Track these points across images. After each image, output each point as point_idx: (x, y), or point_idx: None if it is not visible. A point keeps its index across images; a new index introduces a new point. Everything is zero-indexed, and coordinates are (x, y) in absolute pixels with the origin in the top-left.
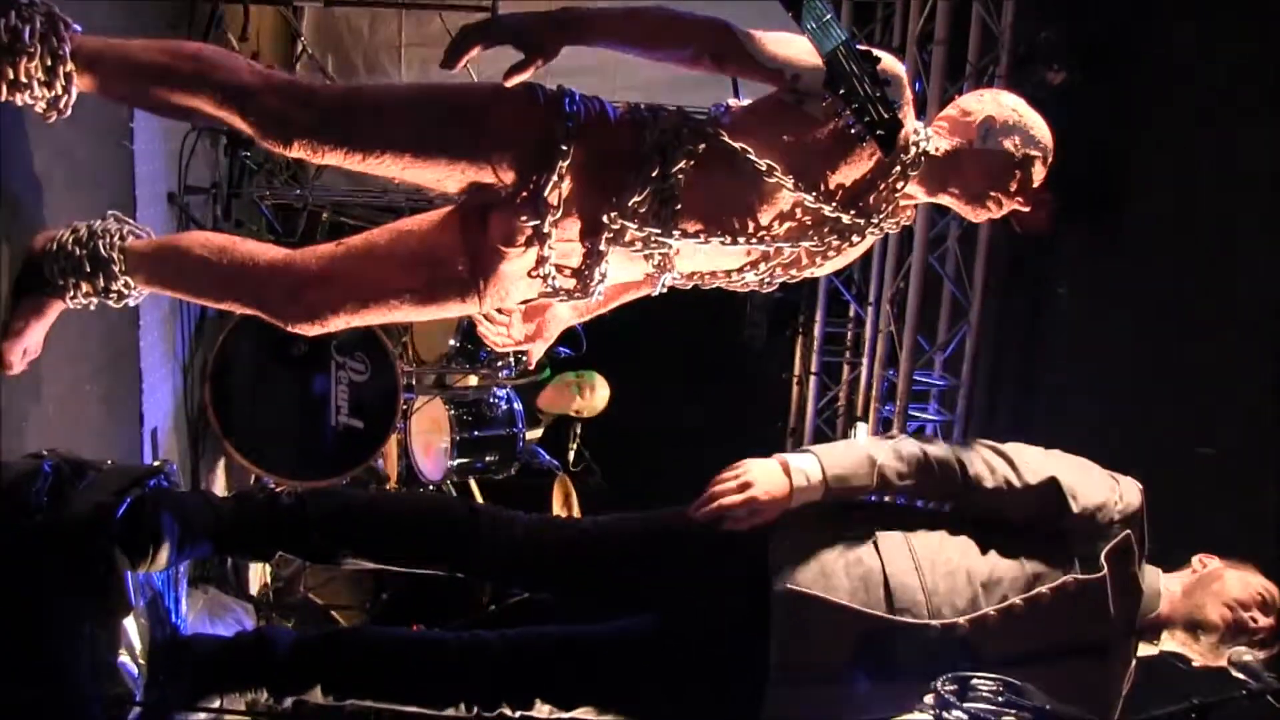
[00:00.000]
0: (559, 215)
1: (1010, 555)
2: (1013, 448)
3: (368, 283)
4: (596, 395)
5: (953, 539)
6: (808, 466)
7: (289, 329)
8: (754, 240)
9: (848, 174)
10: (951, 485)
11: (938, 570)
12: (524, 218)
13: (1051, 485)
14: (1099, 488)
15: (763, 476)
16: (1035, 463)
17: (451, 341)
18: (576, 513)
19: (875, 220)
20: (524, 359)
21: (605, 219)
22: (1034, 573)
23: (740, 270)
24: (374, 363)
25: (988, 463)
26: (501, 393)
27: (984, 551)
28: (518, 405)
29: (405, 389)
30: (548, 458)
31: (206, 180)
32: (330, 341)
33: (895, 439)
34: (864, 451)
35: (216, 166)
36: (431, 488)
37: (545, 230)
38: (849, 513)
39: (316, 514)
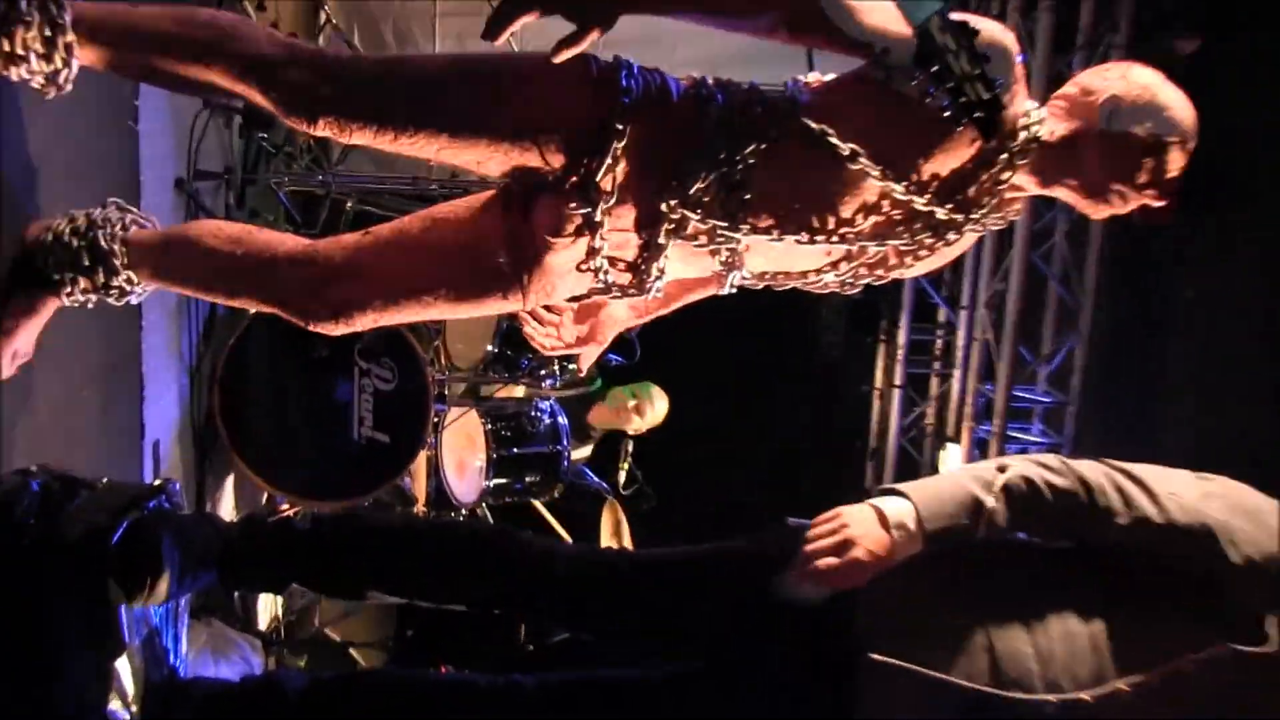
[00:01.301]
0: (612, 202)
1: (1147, 613)
2: (1152, 473)
3: (398, 276)
4: (654, 412)
5: (1073, 591)
6: (904, 515)
7: (310, 328)
8: (835, 238)
9: (944, 162)
10: (1074, 521)
11: (1054, 632)
12: (573, 205)
13: (1203, 526)
14: (1267, 530)
15: (863, 532)
16: (1183, 494)
17: (489, 346)
18: (628, 543)
19: (976, 215)
20: (573, 366)
21: (664, 208)
22: (1177, 636)
23: (819, 271)
24: (402, 369)
25: (1121, 491)
26: (545, 405)
27: (1112, 607)
28: (563, 420)
29: (436, 399)
30: (596, 479)
31: (219, 164)
32: (354, 344)
33: (1006, 466)
34: (966, 490)
35: (230, 149)
36: (464, 512)
37: (597, 219)
38: (945, 559)
39: (336, 540)
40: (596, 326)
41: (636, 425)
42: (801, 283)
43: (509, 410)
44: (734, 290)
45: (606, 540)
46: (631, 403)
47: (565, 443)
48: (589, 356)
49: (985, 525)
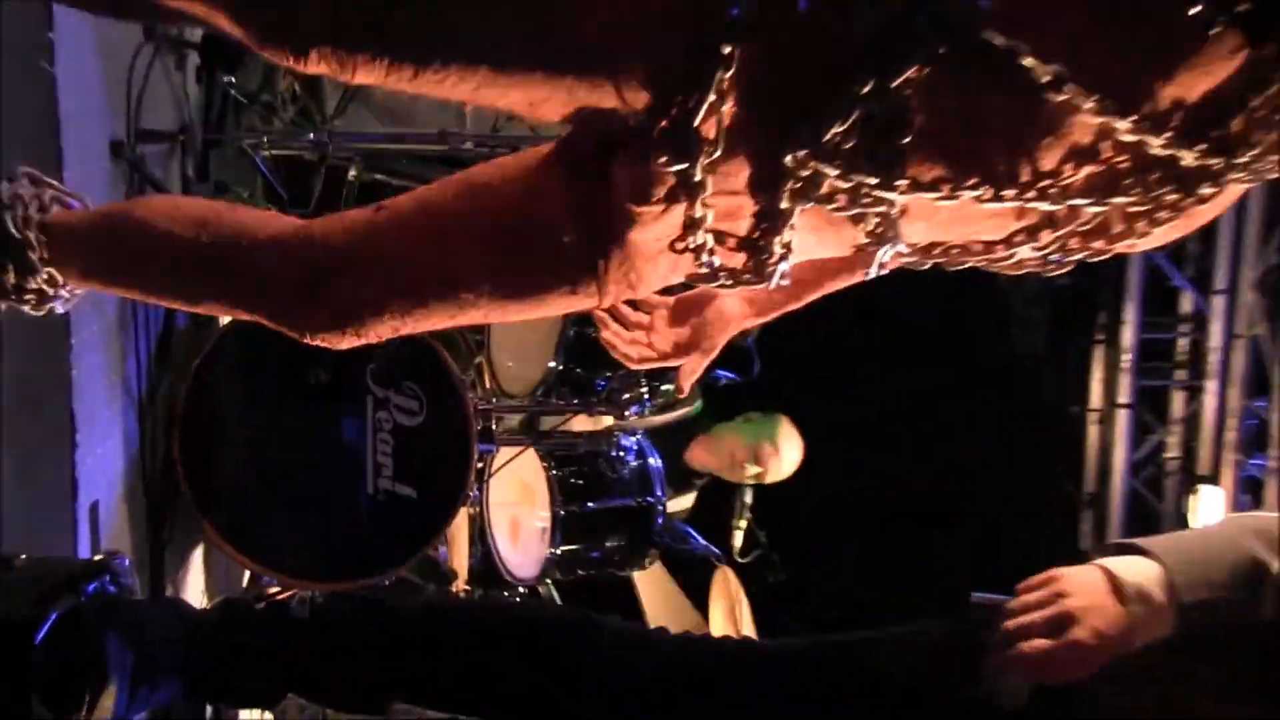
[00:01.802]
0: (717, 155)
1: None
2: None
3: (424, 267)
4: (781, 460)
5: None
6: (1147, 582)
7: (305, 342)
8: (1031, 194)
9: (1192, 84)
10: None
11: None
12: (663, 160)
13: None
14: None
15: (1088, 603)
16: None
17: (551, 363)
18: (748, 628)
19: (1241, 160)
20: (668, 385)
21: (790, 161)
22: None
23: (1009, 241)
24: (432, 397)
25: None
26: (630, 442)
27: None
28: (654, 461)
29: (481, 438)
30: (702, 542)
31: (170, 121)
32: (365, 364)
33: None
34: (1241, 550)
35: (185, 100)
36: (522, 591)
37: (696, 178)
38: (1206, 646)
39: (347, 634)
40: (701, 329)
41: (755, 475)
42: (984, 260)
43: (580, 450)
44: (886, 273)
45: (718, 623)
46: (746, 447)
47: (659, 492)
48: (691, 371)
49: (1270, 600)
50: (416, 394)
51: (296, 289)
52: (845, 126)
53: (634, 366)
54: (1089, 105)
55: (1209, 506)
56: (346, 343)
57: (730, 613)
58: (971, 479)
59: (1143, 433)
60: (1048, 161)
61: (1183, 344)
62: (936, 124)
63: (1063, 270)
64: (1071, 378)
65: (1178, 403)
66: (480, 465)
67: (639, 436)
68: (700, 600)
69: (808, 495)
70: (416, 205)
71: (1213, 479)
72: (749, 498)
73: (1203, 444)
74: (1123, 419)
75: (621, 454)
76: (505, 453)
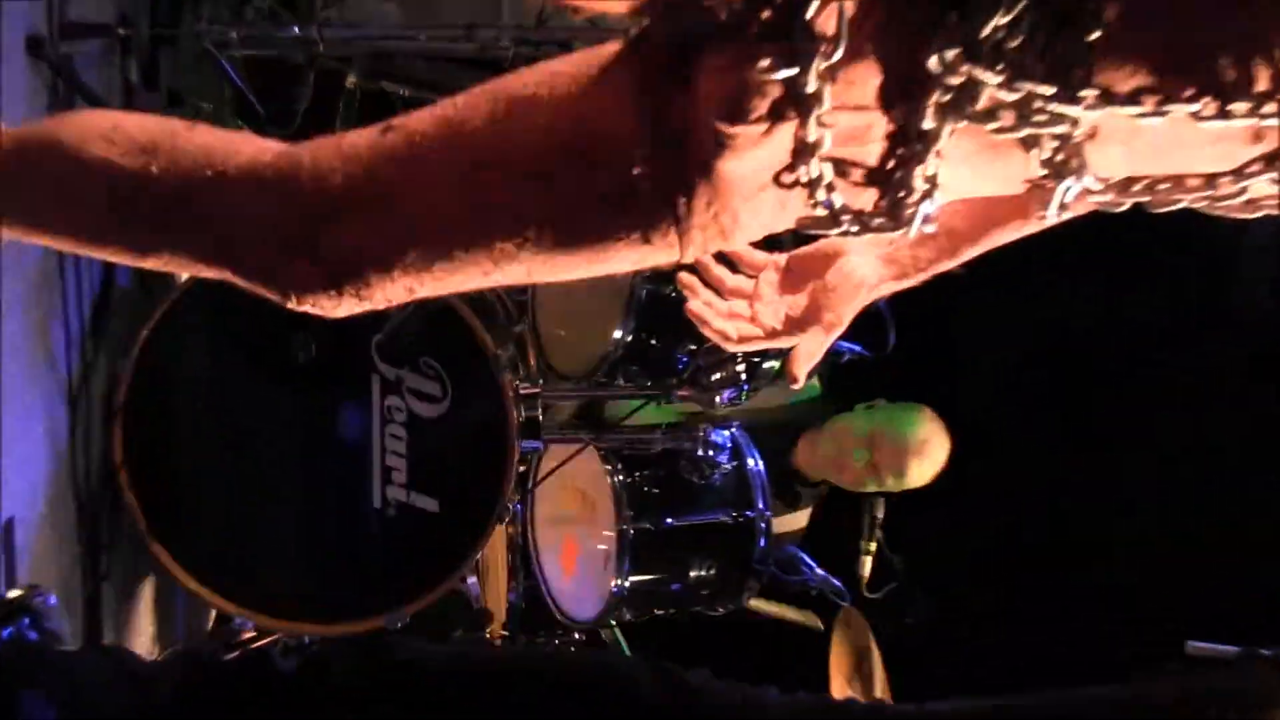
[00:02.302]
0: (838, 56)
1: None
2: None
3: (447, 208)
4: (922, 463)
5: None
6: None
7: (290, 307)
8: (1272, 108)
9: None
10: None
11: None
12: (765, 63)
13: None
14: None
15: None
16: None
17: (617, 333)
18: (881, 690)
19: None
20: (771, 364)
21: (934, 63)
22: None
23: (1240, 172)
24: (458, 378)
25: None
26: (723, 437)
27: None
28: (754, 463)
29: (524, 432)
30: (819, 572)
31: (107, 12)
32: (370, 336)
33: None
34: None
35: None
36: (579, 637)
37: (810, 88)
38: None
39: (349, 694)
40: (822, 298)
41: (886, 484)
42: (1203, 198)
43: (656, 448)
44: (1068, 217)
45: (842, 682)
46: (858, 434)
47: (761, 504)
48: (809, 354)
49: None
50: (438, 374)
51: (278, 237)
52: (1010, 16)
53: (731, 348)
54: None
55: None
56: (345, 308)
57: (856, 666)
58: (1190, 493)
59: None
60: None
61: None
62: (1137, 12)
63: None
64: None
65: None
66: (523, 469)
67: (734, 430)
68: (817, 651)
69: (955, 510)
70: (437, 125)
71: None
72: (880, 513)
73: None
74: None
75: (711, 453)
76: (556, 453)
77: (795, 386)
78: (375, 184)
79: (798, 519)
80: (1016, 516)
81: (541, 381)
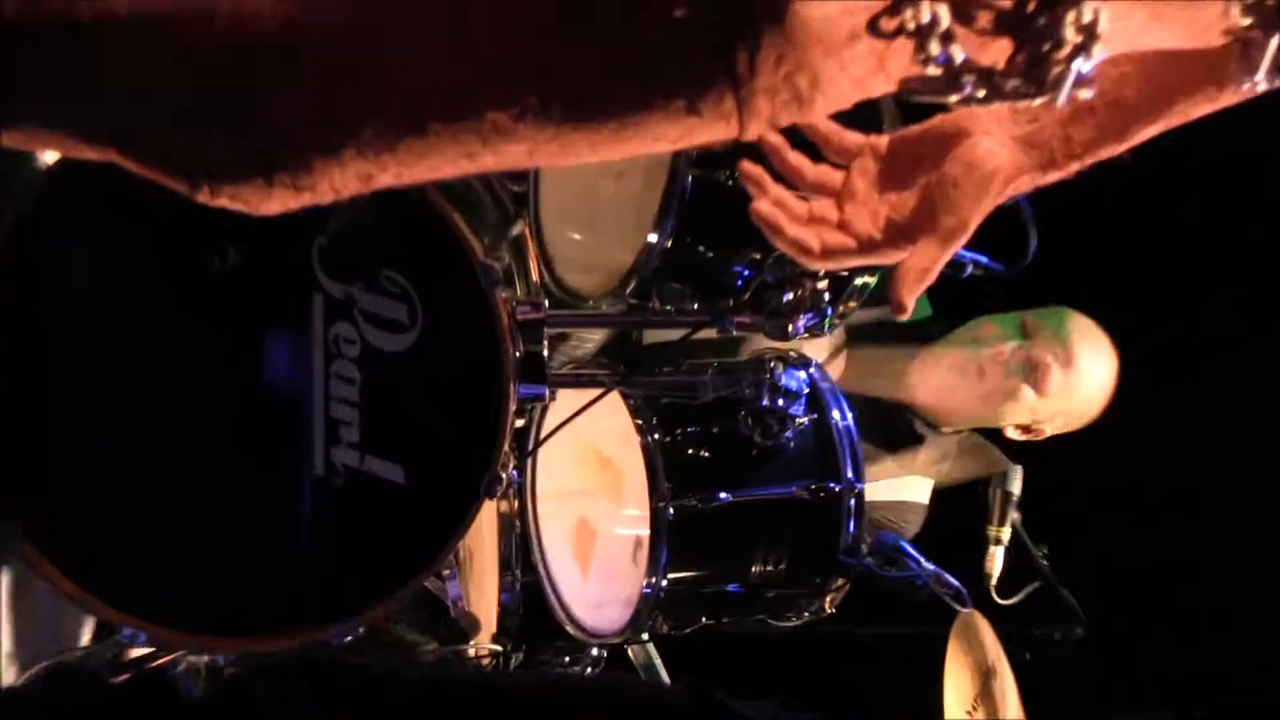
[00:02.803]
0: None
1: None
2: None
3: (420, 63)
4: (1084, 382)
5: None
6: None
7: (199, 199)
8: None
9: None
10: None
11: None
12: None
13: None
14: None
15: None
16: None
17: (652, 236)
18: (1015, 717)
19: None
20: (865, 280)
21: None
22: None
23: None
24: (432, 298)
25: None
26: (797, 380)
27: None
28: (841, 416)
29: (524, 373)
30: (930, 566)
31: None
32: (310, 238)
33: None
34: None
35: None
36: (600, 654)
37: None
38: None
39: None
40: (938, 194)
41: (1034, 411)
42: None
43: (705, 396)
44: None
45: (961, 712)
46: (1012, 345)
47: (851, 473)
48: (920, 271)
49: None
50: (404, 292)
51: (183, 104)
52: None
53: (813, 264)
54: None
55: None
56: (277, 202)
57: (981, 687)
58: None
59: None
60: None
61: None
62: None
63: None
64: None
65: None
66: (522, 424)
67: (813, 371)
68: (928, 669)
69: (1123, 483)
70: None
71: None
72: (1016, 484)
73: None
74: None
75: (782, 403)
76: (568, 402)
77: (902, 317)
78: (320, 29)
79: (915, 486)
80: (1200, 493)
81: (547, 304)
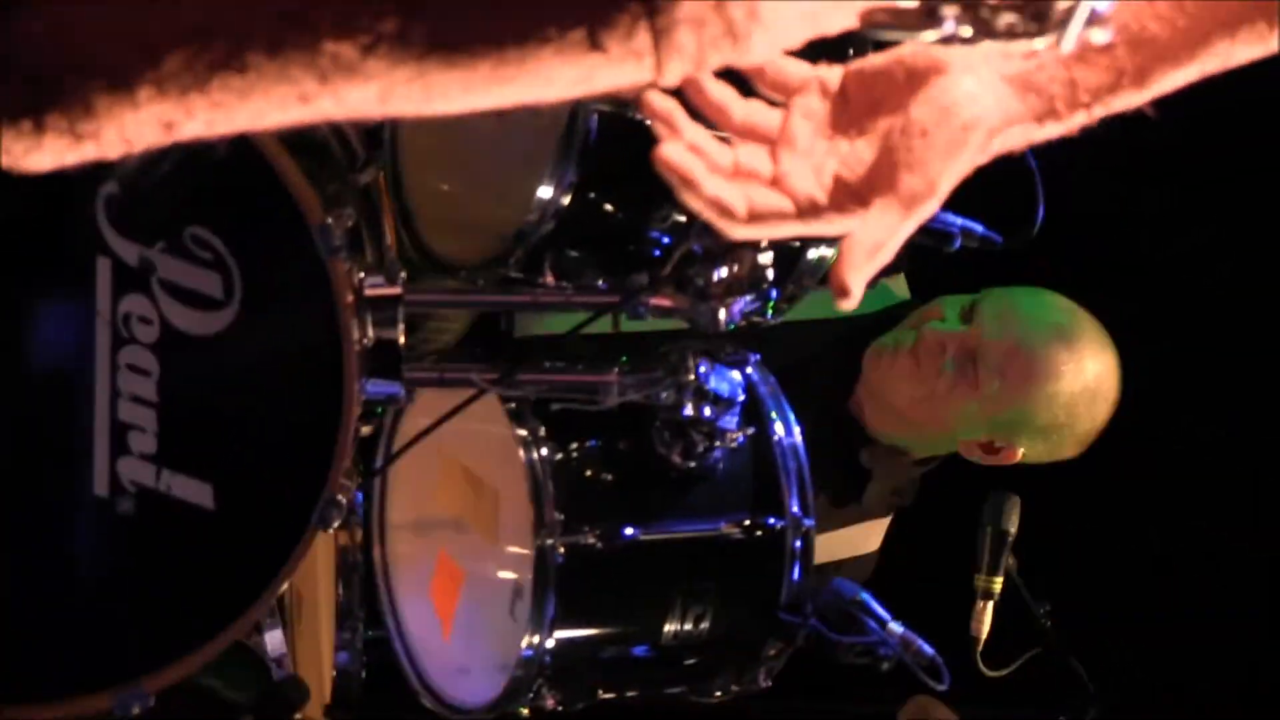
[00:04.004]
0: None
1: None
2: None
3: None
4: (1039, 375)
5: None
6: None
7: None
8: None
9: None
10: None
11: None
12: None
13: None
14: None
15: None
16: None
17: (543, 190)
18: None
19: None
20: (825, 253)
21: None
22: None
23: None
24: (254, 266)
25: None
26: (729, 383)
27: None
28: (786, 430)
29: (375, 366)
30: (897, 630)
31: None
32: (94, 187)
33: None
34: None
35: None
36: None
37: None
38: None
39: None
40: (902, 145)
41: (989, 423)
42: None
43: (608, 401)
44: None
45: None
46: (955, 332)
47: (797, 504)
48: (873, 245)
49: None
50: (217, 257)
51: None
52: None
53: (738, 232)
54: None
55: None
56: (51, 154)
57: None
58: None
59: None
60: None
61: None
62: None
63: None
64: None
65: None
66: (370, 431)
67: (752, 370)
68: None
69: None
70: None
71: None
72: (1013, 521)
73: None
74: None
75: (710, 412)
76: (430, 405)
77: (845, 304)
78: None
79: (864, 534)
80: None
81: (405, 274)
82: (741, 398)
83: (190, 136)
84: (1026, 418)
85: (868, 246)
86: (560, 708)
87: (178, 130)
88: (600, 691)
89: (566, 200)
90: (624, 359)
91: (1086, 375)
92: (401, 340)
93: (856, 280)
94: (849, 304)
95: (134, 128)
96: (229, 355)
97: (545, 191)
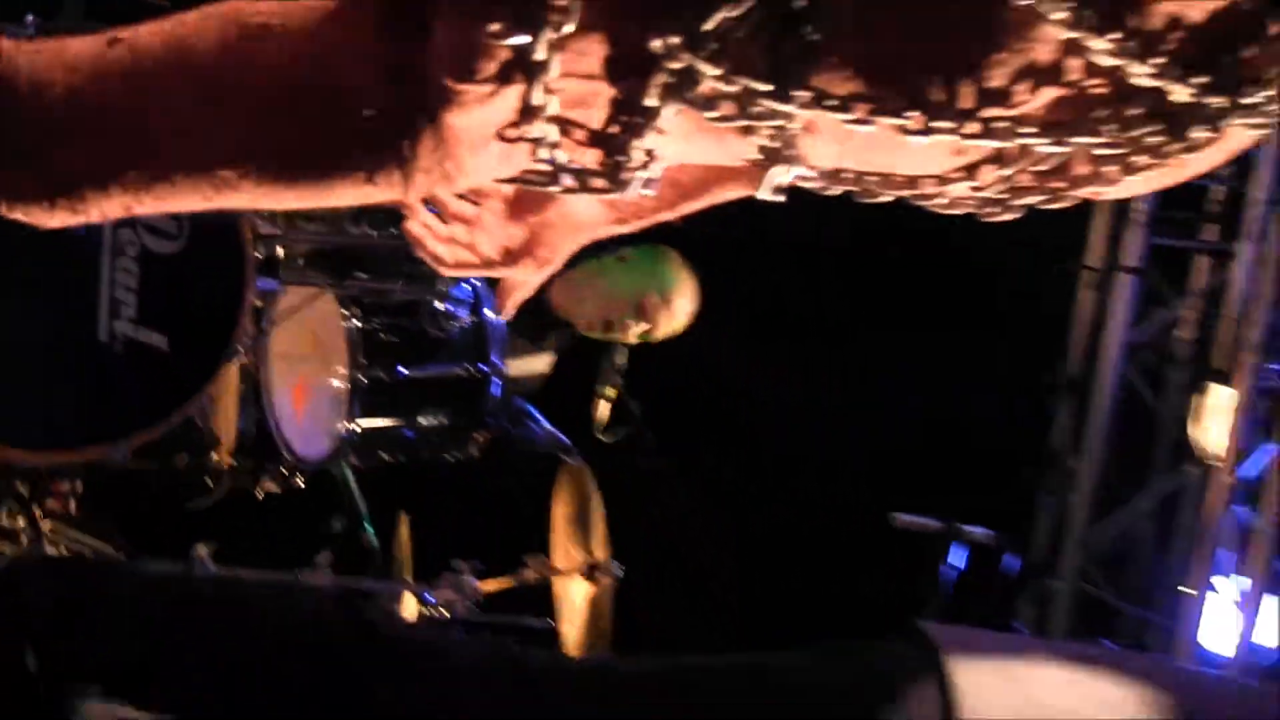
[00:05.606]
0: (568, 29)
1: None
2: None
3: (173, 134)
4: (673, 309)
5: None
6: None
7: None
8: (973, 128)
9: None
10: None
11: None
12: (498, 26)
13: None
14: None
15: None
16: None
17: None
18: (600, 542)
19: (1249, 101)
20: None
21: (656, 46)
22: None
23: (941, 180)
24: (196, 214)
25: None
26: (464, 291)
27: None
28: (494, 314)
29: (261, 270)
30: (546, 425)
31: None
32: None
33: None
34: None
35: None
36: (297, 479)
37: (539, 56)
38: None
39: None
40: (540, 234)
41: (642, 336)
42: (908, 194)
43: (395, 298)
44: (778, 199)
45: (563, 538)
46: (625, 300)
47: (496, 358)
48: (517, 286)
49: None
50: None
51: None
52: (740, 11)
53: (445, 273)
54: (1060, 14)
55: (1216, 412)
56: (57, 221)
57: (575, 518)
58: (917, 355)
59: (1150, 305)
60: (997, 80)
61: (1218, 192)
62: (858, 20)
63: (1007, 215)
64: (1064, 223)
65: (1200, 271)
66: (260, 306)
67: (478, 284)
68: (540, 507)
69: (694, 358)
70: (165, 46)
71: (1224, 379)
72: (622, 359)
73: (1218, 331)
74: (1126, 285)
75: (451, 306)
76: (294, 295)
77: (502, 315)
78: (97, 101)
79: (538, 363)
80: (757, 367)
81: (282, 223)
82: (470, 299)
83: (141, 213)
84: (659, 332)
85: (513, 289)
86: (364, 464)
87: (134, 210)
88: (385, 455)
89: None
90: (404, 276)
91: (688, 308)
92: (281, 257)
93: (510, 306)
94: (503, 316)
95: (108, 209)
96: (181, 265)
97: None
